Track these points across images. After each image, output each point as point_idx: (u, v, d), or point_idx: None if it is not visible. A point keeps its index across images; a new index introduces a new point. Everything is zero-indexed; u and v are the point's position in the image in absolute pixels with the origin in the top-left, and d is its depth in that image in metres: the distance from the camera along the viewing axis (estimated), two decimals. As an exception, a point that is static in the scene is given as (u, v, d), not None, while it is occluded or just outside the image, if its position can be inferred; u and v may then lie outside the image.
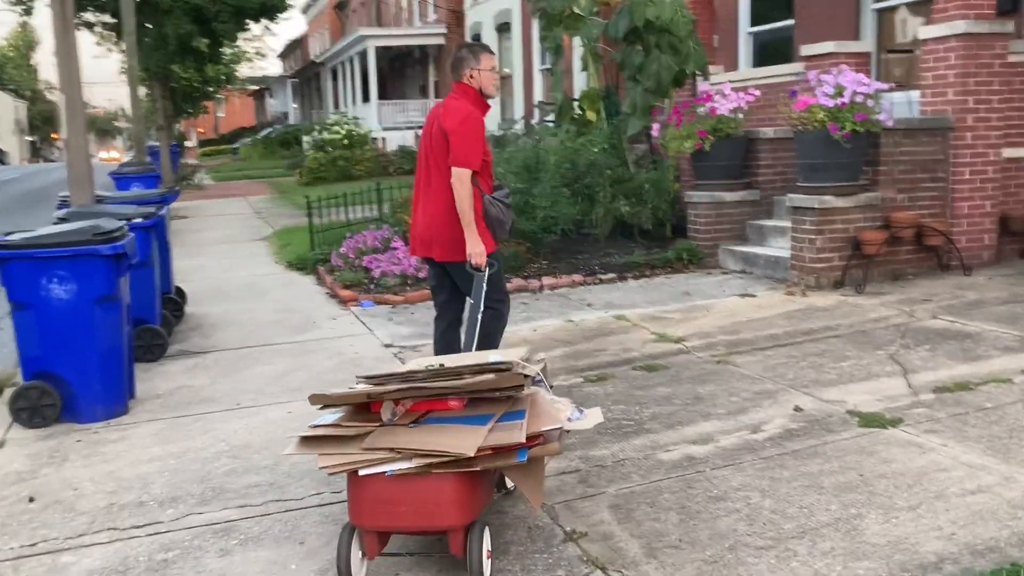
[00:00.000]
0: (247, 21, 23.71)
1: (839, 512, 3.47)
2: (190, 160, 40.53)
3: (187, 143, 53.67)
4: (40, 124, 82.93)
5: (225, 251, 11.85)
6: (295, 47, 58.88)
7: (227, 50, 31.85)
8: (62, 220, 5.96)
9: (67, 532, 3.71)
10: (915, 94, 8.62)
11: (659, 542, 3.33)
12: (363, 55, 28.99)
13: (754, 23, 14.12)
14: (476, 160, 4.46)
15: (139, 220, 6.12)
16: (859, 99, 7.06)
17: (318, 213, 10.48)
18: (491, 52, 4.69)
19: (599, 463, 4.10)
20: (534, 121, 19.13)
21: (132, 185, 12.49)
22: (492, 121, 25.43)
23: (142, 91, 25.80)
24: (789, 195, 7.67)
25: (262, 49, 48.53)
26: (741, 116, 8.65)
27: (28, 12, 22.22)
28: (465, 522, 3.03)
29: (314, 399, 3.25)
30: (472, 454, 2.93)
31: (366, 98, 29.35)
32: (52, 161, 66.07)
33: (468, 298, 4.62)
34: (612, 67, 12.22)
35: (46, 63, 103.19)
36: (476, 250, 4.45)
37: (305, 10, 53.87)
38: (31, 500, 4.04)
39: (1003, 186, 7.82)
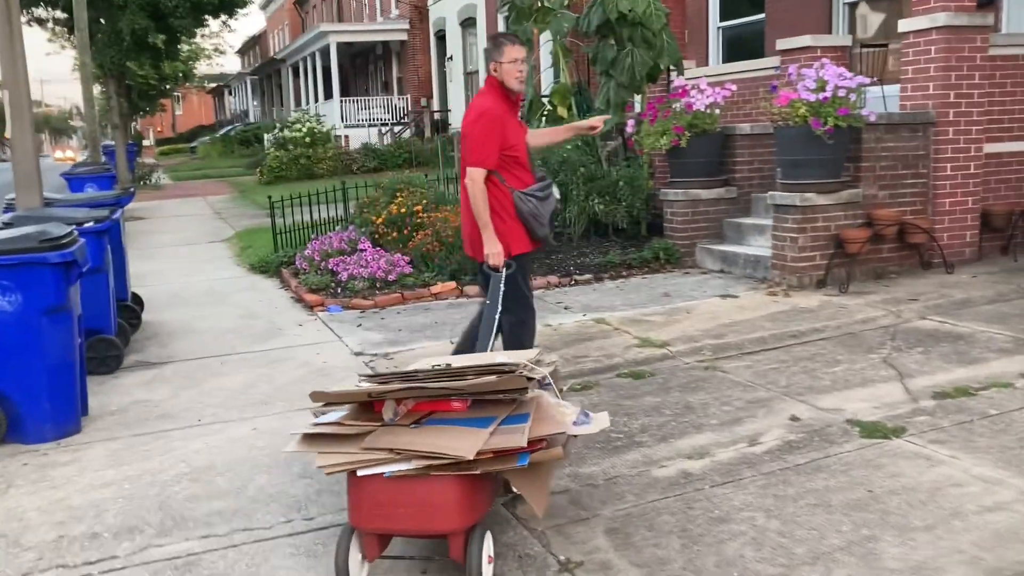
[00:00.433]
0: (205, 17, 23.16)
1: (852, 534, 3.23)
2: (148, 159, 39.69)
3: (145, 142, 52.71)
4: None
5: (184, 254, 11.43)
6: (254, 43, 58.03)
7: (185, 47, 31.21)
8: (7, 225, 5.57)
9: (11, 571, 3.37)
10: (889, 89, 8.48)
11: (662, 571, 3.08)
12: (324, 51, 28.51)
13: (724, 18, 13.97)
14: (490, 158, 4.34)
15: (91, 224, 5.75)
16: (841, 93, 6.87)
17: (281, 213, 10.11)
18: (517, 43, 4.49)
19: (590, 481, 3.84)
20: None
21: (86, 186, 12.03)
22: (457, 118, 25.13)
23: (97, 89, 25.14)
24: (770, 192, 7.47)
25: (221, 46, 47.65)
26: (718, 112, 8.44)
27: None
28: (465, 526, 2.96)
29: (315, 396, 3.19)
30: (471, 457, 2.85)
31: (328, 95, 28.87)
32: (3, 161, 64.50)
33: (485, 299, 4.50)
34: (583, 62, 12.01)
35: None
36: (492, 250, 4.35)
37: (264, 6, 53.06)
38: (-29, 534, 3.70)
39: (984, 182, 7.69)
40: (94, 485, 4.13)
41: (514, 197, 4.42)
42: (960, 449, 3.89)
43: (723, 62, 13.58)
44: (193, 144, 48.79)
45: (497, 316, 4.34)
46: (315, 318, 7.33)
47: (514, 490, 3.50)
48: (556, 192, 4.67)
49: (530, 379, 3.08)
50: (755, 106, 9.97)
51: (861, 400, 4.60)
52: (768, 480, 3.73)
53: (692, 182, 8.56)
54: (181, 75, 35.05)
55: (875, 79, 7.91)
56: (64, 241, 4.76)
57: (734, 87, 8.57)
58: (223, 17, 24.19)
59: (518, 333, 4.57)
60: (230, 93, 59.74)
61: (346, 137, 25.92)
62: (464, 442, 2.89)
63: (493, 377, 3.02)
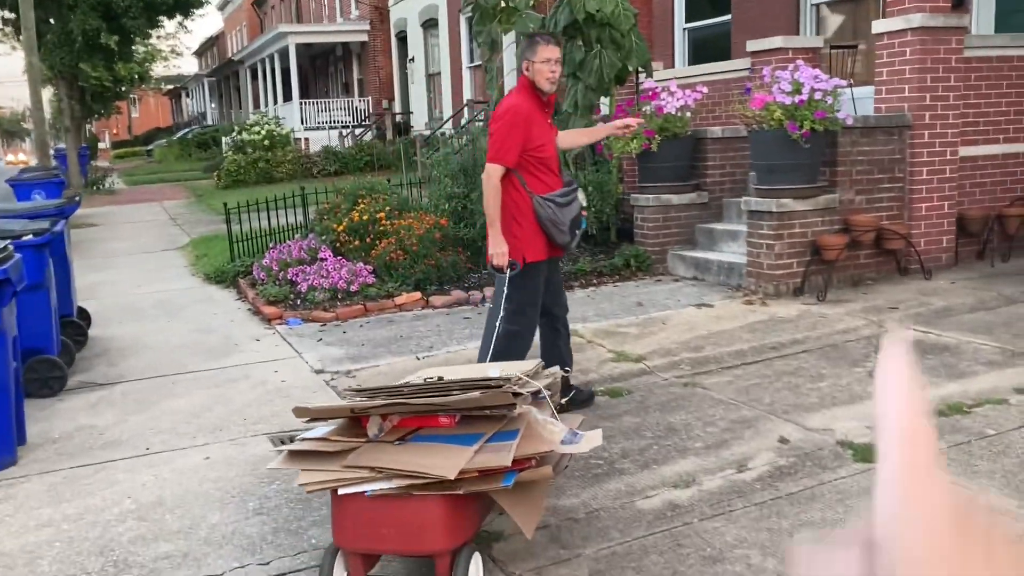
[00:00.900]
0: (160, 17, 22.61)
1: (856, 573, 2.99)
2: (102, 163, 38.82)
3: (100, 145, 51.62)
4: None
5: (137, 263, 10.99)
6: (212, 44, 57.13)
7: (140, 48, 30.51)
8: (-63, 239, 5.17)
9: (-72, 632, 3.03)
10: (859, 91, 8.33)
11: (654, 622, 2.81)
12: (283, 52, 27.98)
13: (689, 19, 13.83)
14: (508, 155, 4.24)
15: (29, 238, 5.37)
16: (817, 96, 6.68)
17: (238, 220, 9.71)
18: (552, 43, 4.39)
19: (570, 515, 3.56)
20: (464, 120, 18.58)
21: (33, 193, 11.54)
22: (419, 121, 24.84)
23: (49, 91, 24.43)
24: (745, 198, 7.27)
25: (177, 47, 46.81)
26: (688, 115, 8.23)
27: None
28: (451, 546, 2.86)
29: (298, 412, 3.12)
30: (453, 477, 2.75)
31: (287, 97, 28.35)
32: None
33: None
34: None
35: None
36: (496, 249, 4.26)
37: (222, 7, 52.24)
38: None
39: (960, 186, 7.56)
40: (29, 527, 3.78)
41: (533, 202, 4.29)
42: (961, 474, 3.67)
43: (689, 64, 13.42)
44: (149, 147, 47.84)
45: (499, 322, 4.22)
46: (273, 332, 6.99)
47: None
48: (582, 197, 4.52)
49: (518, 395, 2.95)
50: (725, 109, 9.78)
51: (851, 419, 4.38)
52: (761, 512, 3.48)
53: (663, 187, 8.34)
54: (136, 77, 34.29)
55: (851, 81, 7.75)
56: (-3, 258, 4.40)
57: (705, 89, 8.37)
58: (178, 18, 23.66)
59: (510, 344, 4.35)
60: (187, 95, 58.74)
61: (306, 140, 25.46)
62: (447, 461, 2.79)
63: (477, 393, 2.92)
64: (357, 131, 25.49)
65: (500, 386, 2.96)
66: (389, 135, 25.25)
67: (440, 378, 3.19)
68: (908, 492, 0.45)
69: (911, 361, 0.48)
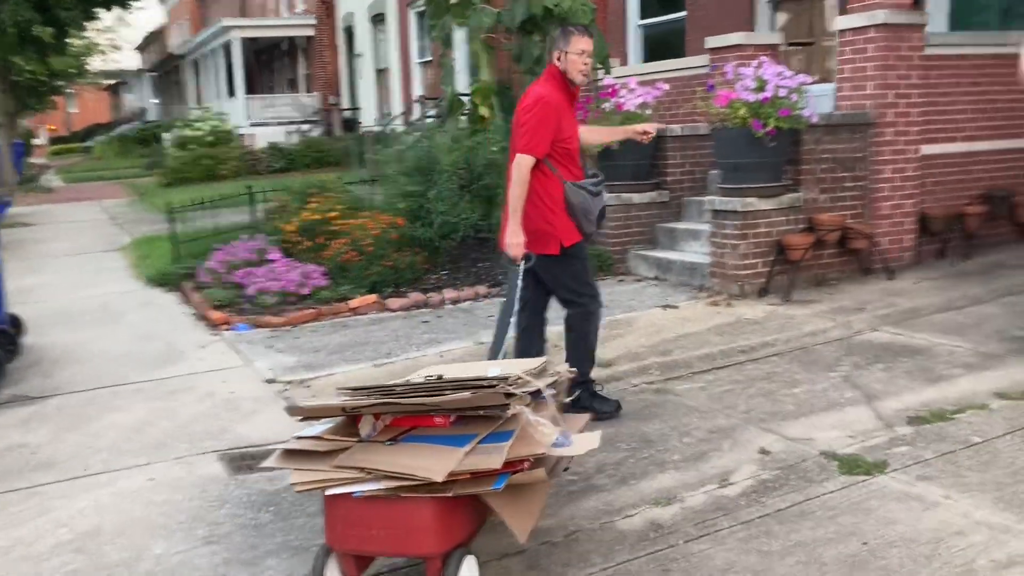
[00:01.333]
0: (96, 9, 21.79)
1: (855, 600, 2.82)
2: (38, 159, 37.59)
3: (36, 141, 50.05)
4: None
5: (75, 265, 10.49)
6: (153, 39, 55.73)
7: (76, 41, 29.52)
8: None
9: None
10: (818, 88, 8.23)
11: (646, 659, 2.60)
12: (227, 47, 27.30)
13: (643, 15, 13.70)
14: (542, 147, 4.19)
15: (-47, 241, 4.97)
16: (782, 93, 6.55)
17: (181, 219, 9.30)
18: (586, 35, 4.32)
19: (547, 538, 3.34)
20: (414, 117, 18.27)
21: (-39, 191, 10.95)
22: (368, 117, 24.44)
23: (-22, 84, 23.47)
24: (709, 197, 7.12)
25: (116, 40, 45.50)
26: (648, 112, 8.06)
27: None
28: (441, 550, 2.80)
29: (291, 411, 3.10)
30: (441, 479, 2.69)
31: (232, 92, 27.66)
32: None
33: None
34: (505, 59, 11.51)
35: None
36: (514, 240, 4.19)
37: (163, 0, 51.01)
38: None
39: (921, 184, 7.49)
40: (-49, 562, 3.44)
41: (565, 188, 4.26)
42: (952, 487, 3.52)
43: (643, 61, 13.29)
44: (88, 143, 46.49)
45: (513, 317, 4.17)
46: (220, 338, 6.64)
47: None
48: (605, 193, 4.49)
49: (511, 395, 2.86)
50: (683, 106, 9.65)
51: (831, 427, 4.22)
52: (748, 531, 3.29)
53: (624, 186, 8.15)
54: (74, 71, 33.22)
55: (817, 78, 7.64)
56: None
57: (666, 86, 8.20)
58: (116, 10, 22.85)
59: (585, 324, 4.47)
60: (128, 91, 57.28)
61: (251, 136, 24.86)
62: (436, 463, 2.74)
63: (466, 393, 2.86)
64: (304, 127, 24.98)
65: (493, 386, 2.88)
66: (337, 131, 24.78)
67: (440, 376, 3.11)
68: None
69: None
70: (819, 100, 7.99)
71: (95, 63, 38.07)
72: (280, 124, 25.24)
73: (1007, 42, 7.78)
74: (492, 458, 2.74)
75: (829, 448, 3.97)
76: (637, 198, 8.18)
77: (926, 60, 7.33)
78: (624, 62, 13.01)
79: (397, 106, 21.48)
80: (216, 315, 7.05)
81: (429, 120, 15.88)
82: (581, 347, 4.47)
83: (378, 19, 22.80)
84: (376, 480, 2.78)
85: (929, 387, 4.67)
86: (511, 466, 2.79)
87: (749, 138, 6.56)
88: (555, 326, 4.68)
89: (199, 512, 3.75)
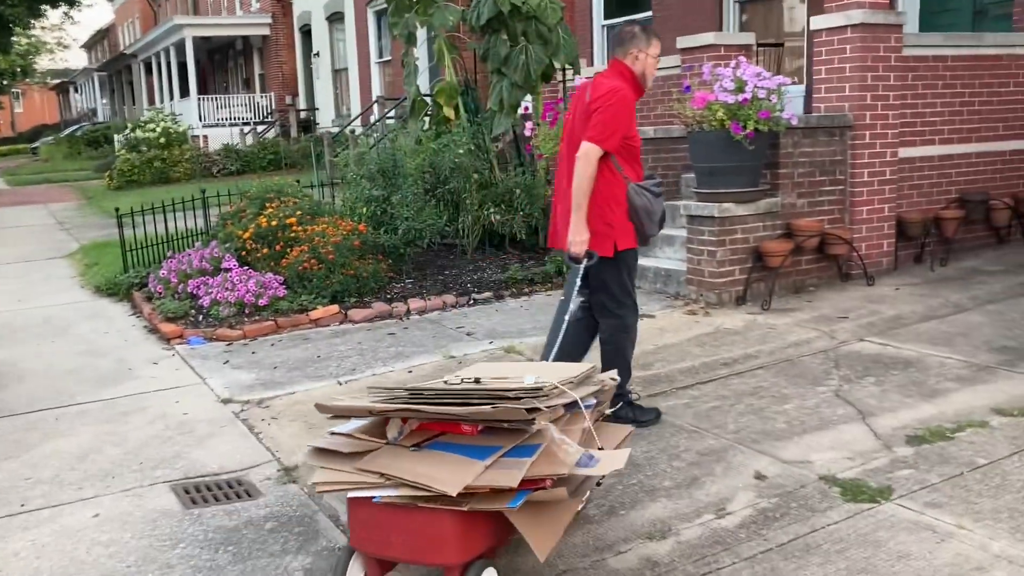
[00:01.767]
0: (42, 7, 21.13)
1: (878, 649, 2.58)
2: (-18, 161, 36.47)
3: (-21, 142, 48.66)
4: None
5: (18, 273, 9.98)
6: (102, 37, 54.48)
7: (21, 39, 28.66)
8: None
9: None
10: (789, 90, 8.07)
11: None
12: (180, 46, 26.63)
13: (608, 15, 13.51)
14: (613, 140, 4.02)
15: None
16: (761, 94, 6.34)
17: (131, 224, 8.83)
18: (659, 39, 4.32)
19: (535, 580, 3.06)
20: (374, 117, 17.88)
21: None
22: (325, 118, 23.99)
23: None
24: (684, 202, 6.89)
25: (64, 39, 44.40)
26: (620, 113, 7.80)
27: None
28: (460, 561, 2.75)
29: (320, 408, 3.07)
30: (454, 493, 2.63)
31: (184, 93, 27.01)
32: None
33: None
34: (469, 59, 11.21)
35: None
36: (580, 237, 4.03)
37: (112, -3, 49.89)
38: None
39: (898, 188, 7.34)
40: None
41: (629, 189, 4.10)
42: (964, 515, 3.30)
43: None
44: (35, 144, 45.19)
45: (568, 316, 4.08)
46: (173, 353, 6.27)
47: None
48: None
49: (533, 410, 2.75)
50: (654, 108, 9.44)
51: (828, 448, 3.99)
52: (752, 570, 3.03)
53: (594, 189, 7.89)
54: (19, 70, 32.29)
55: (795, 79, 7.46)
56: None
57: (637, 87, 7.95)
58: (63, 7, 22.17)
59: (620, 336, 4.29)
60: (76, 90, 55.91)
61: (205, 138, 24.25)
62: (452, 475, 2.68)
63: (488, 407, 2.77)
64: (259, 128, 24.44)
65: (518, 399, 2.81)
66: (294, 132, 24.28)
67: (477, 380, 3.03)
68: None
69: None
70: (791, 102, 7.83)
71: (42, 62, 37.11)
72: (235, 125, 24.67)
73: (983, 43, 7.69)
74: (510, 475, 2.67)
75: (828, 472, 3.74)
76: (608, 202, 7.91)
77: (903, 61, 7.18)
78: (590, 63, 12.81)
79: (356, 107, 21.07)
80: (169, 328, 6.66)
81: (390, 121, 15.54)
82: (619, 361, 4.25)
83: (336, 18, 22.38)
84: (395, 487, 2.75)
85: (924, 402, 4.46)
86: (532, 483, 2.72)
87: (727, 141, 6.34)
88: (530, 338, 4.39)
89: (149, 553, 3.41)
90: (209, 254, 7.71)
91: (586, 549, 3.24)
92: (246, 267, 7.49)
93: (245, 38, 28.48)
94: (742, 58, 6.61)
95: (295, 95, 26.36)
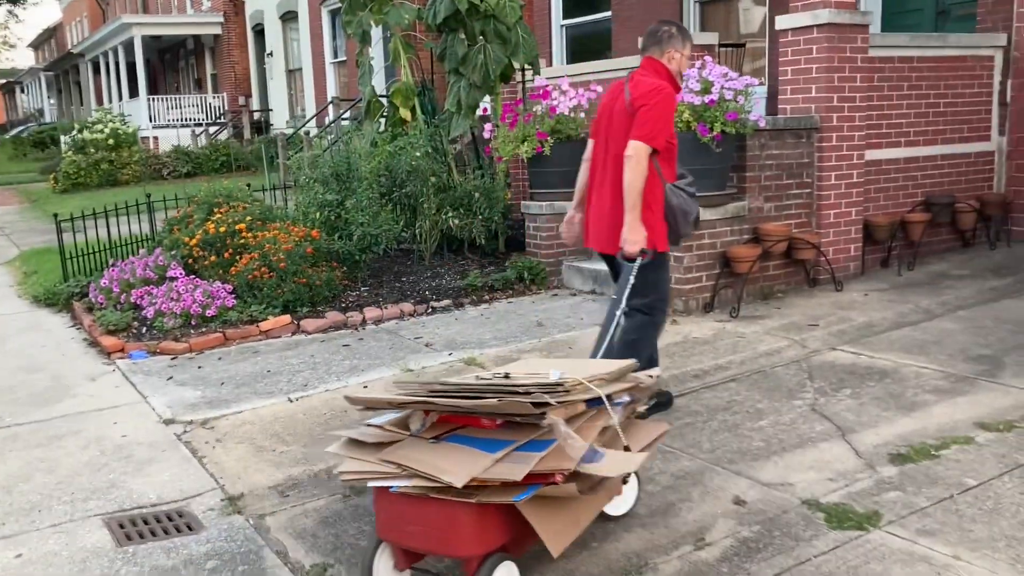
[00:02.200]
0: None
1: None
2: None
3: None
4: None
5: (-48, 281, 9.50)
6: (49, 36, 53.19)
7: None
8: None
9: None
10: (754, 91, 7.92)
11: None
12: (128, 45, 25.94)
13: (567, 15, 13.31)
14: (660, 139, 4.02)
15: None
16: (728, 96, 6.15)
17: (73, 229, 8.39)
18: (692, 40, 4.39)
19: (502, 626, 2.79)
20: (329, 119, 17.51)
21: None
22: (279, 119, 23.51)
23: None
24: (650, 206, 6.67)
25: (8, 38, 43.21)
26: (583, 115, 7.60)
27: None
28: (477, 552, 2.77)
29: (351, 400, 3.18)
30: (460, 484, 2.67)
31: (134, 93, 26.34)
32: None
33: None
34: (426, 59, 10.93)
35: None
36: (636, 236, 3.98)
37: (59, -5, 48.68)
38: None
39: (865, 191, 7.20)
40: None
41: (666, 189, 4.10)
42: (959, 544, 3.10)
43: (568, 62, 12.88)
44: (-22, 146, 43.94)
45: (620, 313, 4.05)
46: (114, 368, 5.90)
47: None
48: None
49: (542, 403, 2.77)
50: (615, 109, 9.21)
51: (809, 468, 3.79)
52: (738, 608, 2.81)
53: (556, 193, 7.67)
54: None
55: (762, 80, 7.29)
56: None
57: (599, 88, 7.74)
58: (7, 5, 21.45)
59: (643, 332, 4.24)
60: (22, 90, 54.54)
61: (155, 139, 23.63)
62: (460, 467, 2.73)
63: (493, 401, 2.82)
64: (211, 129, 23.88)
65: (530, 392, 2.82)
66: (247, 134, 23.76)
67: (507, 375, 3.10)
68: None
69: None
70: (757, 104, 7.67)
71: (-14, 61, 36.02)
72: (186, 126, 24.08)
73: (947, 44, 7.59)
74: (516, 469, 2.70)
75: (811, 495, 3.53)
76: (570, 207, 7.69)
77: (870, 62, 7.04)
78: (550, 62, 12.59)
79: (311, 108, 20.66)
80: (109, 341, 6.29)
81: (345, 123, 15.19)
82: (631, 356, 4.04)
83: (289, 17, 21.94)
84: (408, 477, 2.79)
85: (904, 417, 4.28)
86: (542, 478, 2.72)
87: (694, 144, 6.14)
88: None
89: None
90: (154, 262, 7.35)
91: (556, 587, 3.00)
92: (193, 276, 7.14)
93: (196, 37, 27.87)
94: (708, 58, 6.41)
95: (248, 96, 25.83)
